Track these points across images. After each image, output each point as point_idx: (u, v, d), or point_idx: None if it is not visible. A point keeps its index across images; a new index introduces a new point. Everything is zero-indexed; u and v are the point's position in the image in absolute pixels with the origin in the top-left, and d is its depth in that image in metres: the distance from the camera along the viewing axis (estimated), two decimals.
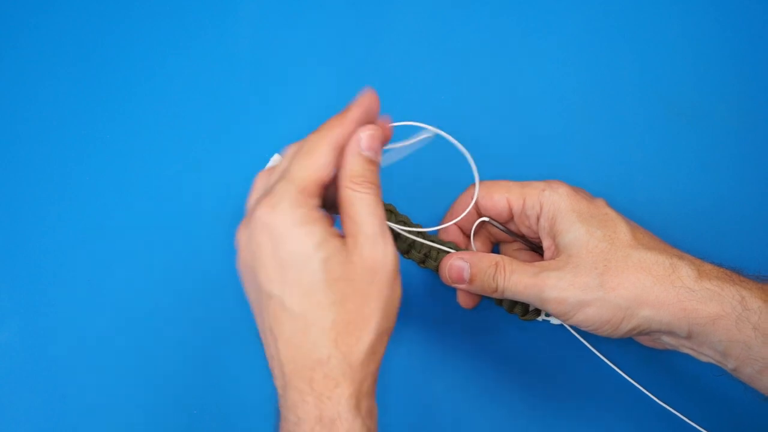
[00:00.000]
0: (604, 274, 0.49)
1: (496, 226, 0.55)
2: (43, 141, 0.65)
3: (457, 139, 0.64)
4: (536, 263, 0.51)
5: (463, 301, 0.57)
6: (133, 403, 0.59)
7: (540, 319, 0.57)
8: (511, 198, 0.53)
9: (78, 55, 0.67)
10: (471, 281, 0.52)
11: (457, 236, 0.57)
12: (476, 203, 0.55)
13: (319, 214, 0.47)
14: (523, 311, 0.56)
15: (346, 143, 0.48)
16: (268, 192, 0.47)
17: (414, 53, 0.67)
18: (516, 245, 0.57)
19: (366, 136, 0.48)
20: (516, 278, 0.51)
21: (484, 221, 0.55)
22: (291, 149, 0.50)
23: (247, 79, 0.66)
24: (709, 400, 0.59)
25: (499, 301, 0.56)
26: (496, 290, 0.52)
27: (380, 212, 0.47)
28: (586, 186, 0.62)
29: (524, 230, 0.55)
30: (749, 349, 0.48)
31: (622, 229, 0.50)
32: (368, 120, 0.49)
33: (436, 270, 0.55)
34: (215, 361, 0.60)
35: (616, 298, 0.49)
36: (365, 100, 0.49)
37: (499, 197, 0.53)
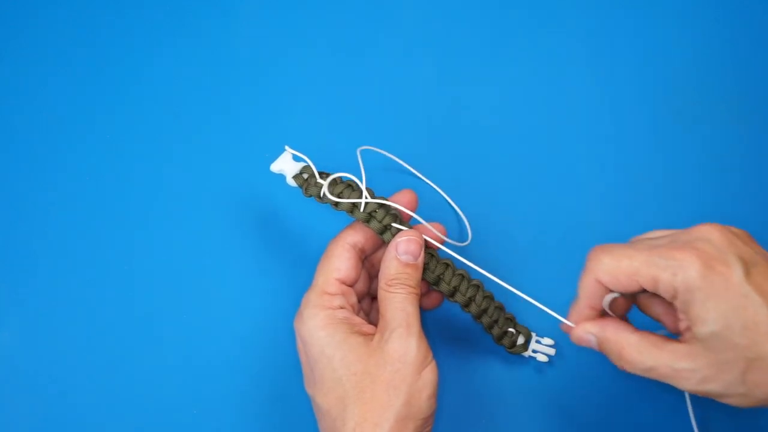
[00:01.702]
0: (746, 372, 0.47)
1: (626, 297, 0.52)
2: (43, 141, 0.65)
3: (456, 139, 0.64)
4: (669, 348, 0.48)
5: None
6: (133, 403, 0.59)
7: (526, 355, 0.57)
8: (641, 281, 0.49)
9: (77, 54, 0.67)
10: (599, 347, 0.51)
11: (588, 312, 0.52)
12: (604, 282, 0.50)
13: (342, 315, 0.51)
14: (511, 344, 0.56)
15: (365, 244, 0.53)
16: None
17: (415, 50, 0.67)
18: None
19: (403, 242, 0.51)
20: (644, 359, 0.48)
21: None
22: None
23: (247, 76, 0.66)
24: None
25: (488, 329, 0.56)
26: (622, 368, 0.50)
27: (409, 309, 0.50)
28: (585, 187, 0.62)
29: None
30: None
31: (762, 319, 0.46)
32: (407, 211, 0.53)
33: (476, 317, 0.54)
34: (216, 361, 0.60)
35: (759, 393, 0.47)
36: (400, 198, 0.54)
37: (628, 282, 0.49)
